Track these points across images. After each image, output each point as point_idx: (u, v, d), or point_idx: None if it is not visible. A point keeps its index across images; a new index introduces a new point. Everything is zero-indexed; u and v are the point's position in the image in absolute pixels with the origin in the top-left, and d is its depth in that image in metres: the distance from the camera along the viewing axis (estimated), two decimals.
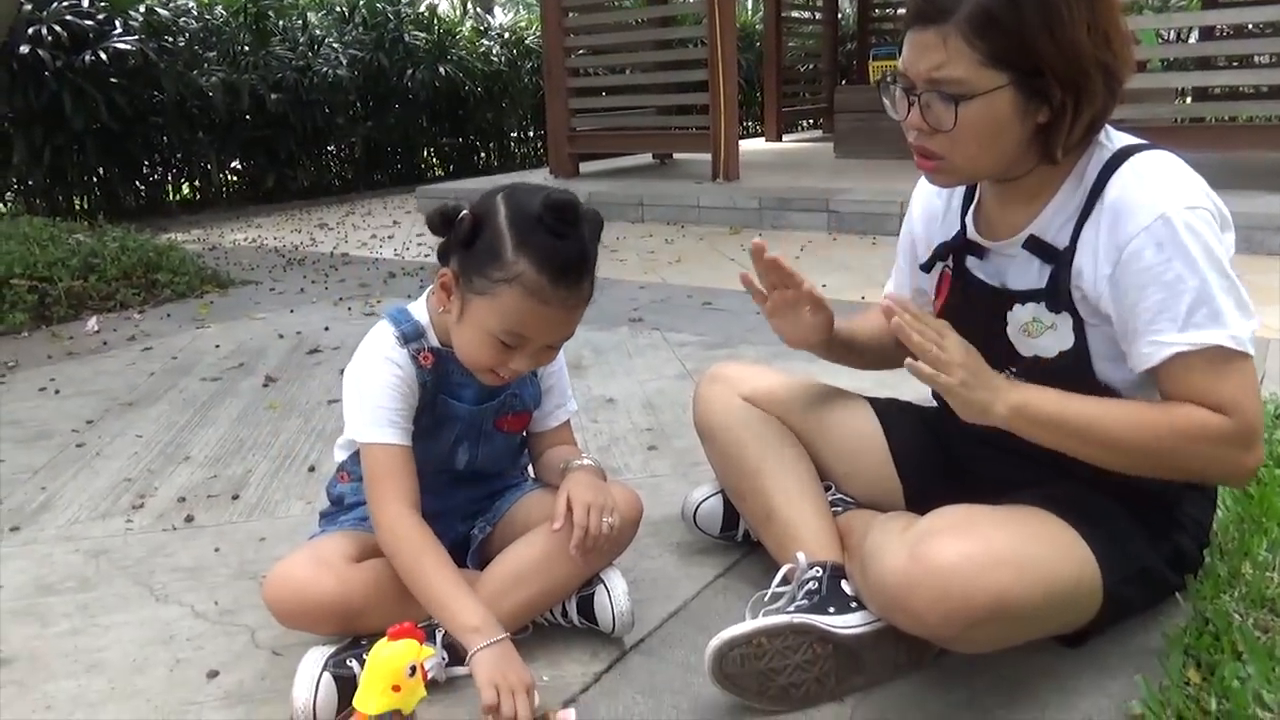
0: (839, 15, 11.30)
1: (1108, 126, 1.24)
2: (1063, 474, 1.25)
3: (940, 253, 1.41)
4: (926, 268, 1.45)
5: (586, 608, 1.41)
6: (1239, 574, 1.37)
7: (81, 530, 1.90)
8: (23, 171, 6.71)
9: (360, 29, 8.62)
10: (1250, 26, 7.03)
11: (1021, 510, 1.22)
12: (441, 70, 8.82)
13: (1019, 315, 1.29)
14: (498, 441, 1.50)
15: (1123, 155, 1.21)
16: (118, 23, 6.67)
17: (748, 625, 1.24)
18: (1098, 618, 1.24)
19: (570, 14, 6.94)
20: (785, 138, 9.83)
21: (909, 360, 1.14)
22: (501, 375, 1.34)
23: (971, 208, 1.38)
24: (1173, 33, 9.21)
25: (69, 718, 1.31)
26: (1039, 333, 1.27)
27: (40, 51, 6.17)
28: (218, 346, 3.28)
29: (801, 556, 1.37)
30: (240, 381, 2.86)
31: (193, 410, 2.61)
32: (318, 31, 8.29)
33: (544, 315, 1.28)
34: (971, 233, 1.37)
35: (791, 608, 1.30)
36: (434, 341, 1.40)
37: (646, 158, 7.95)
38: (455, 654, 1.28)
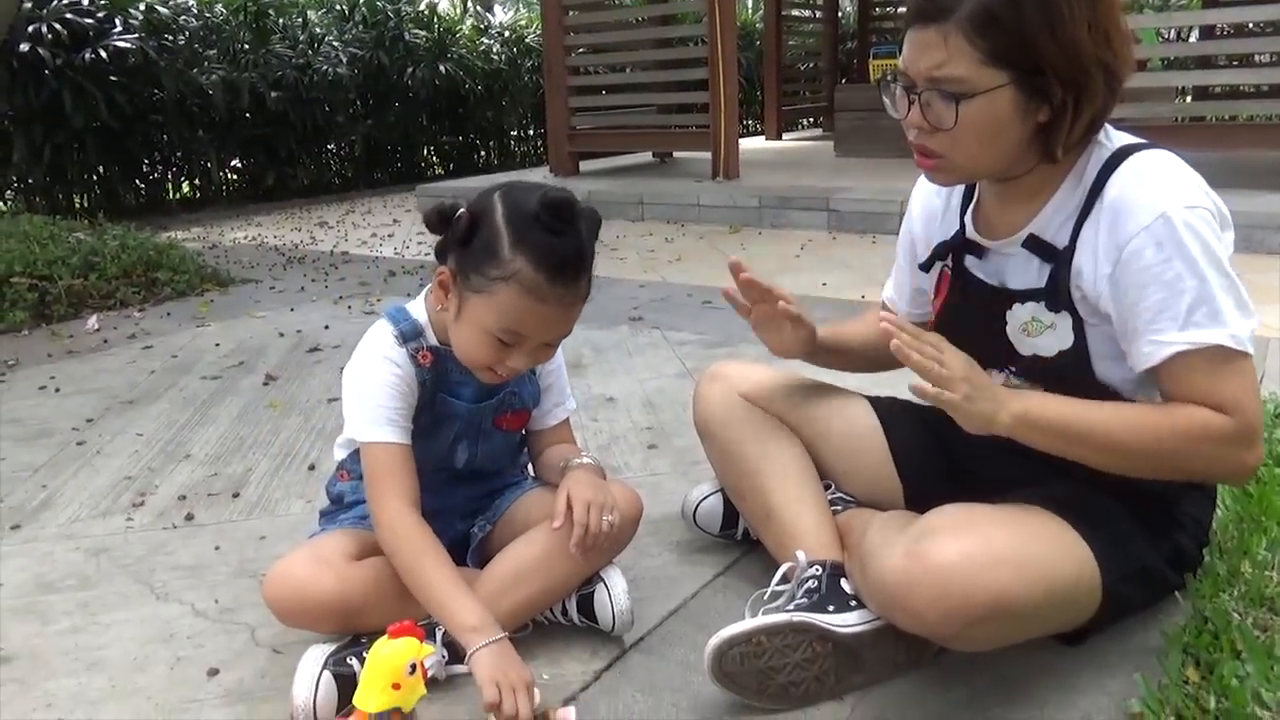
0: (839, 13, 11.29)
1: (1107, 125, 1.24)
2: (1062, 473, 1.25)
3: (939, 252, 1.41)
4: (925, 267, 1.45)
5: (586, 606, 1.41)
6: (1238, 573, 1.37)
7: (82, 528, 1.90)
8: (23, 170, 6.71)
9: (360, 27, 8.62)
10: (1251, 25, 7.02)
11: (1021, 509, 1.22)
12: (442, 68, 8.82)
13: (1018, 314, 1.29)
14: (497, 440, 1.50)
15: (1122, 154, 1.21)
16: (118, 21, 6.68)
17: (747, 624, 1.24)
18: (1097, 616, 1.24)
19: (570, 12, 6.94)
20: (785, 136, 9.82)
21: (912, 383, 1.13)
22: (499, 373, 1.35)
23: (971, 207, 1.38)
24: (1173, 31, 9.20)
25: (69, 716, 1.31)
26: (1038, 332, 1.27)
27: (40, 49, 6.17)
28: (218, 345, 3.28)
29: (801, 555, 1.37)
30: (240, 380, 2.86)
31: (193, 408, 2.61)
32: (318, 29, 8.29)
33: (541, 313, 1.28)
34: (971, 232, 1.37)
35: (791, 606, 1.30)
36: (432, 340, 1.40)
37: (646, 156, 7.95)
38: (455, 652, 1.28)
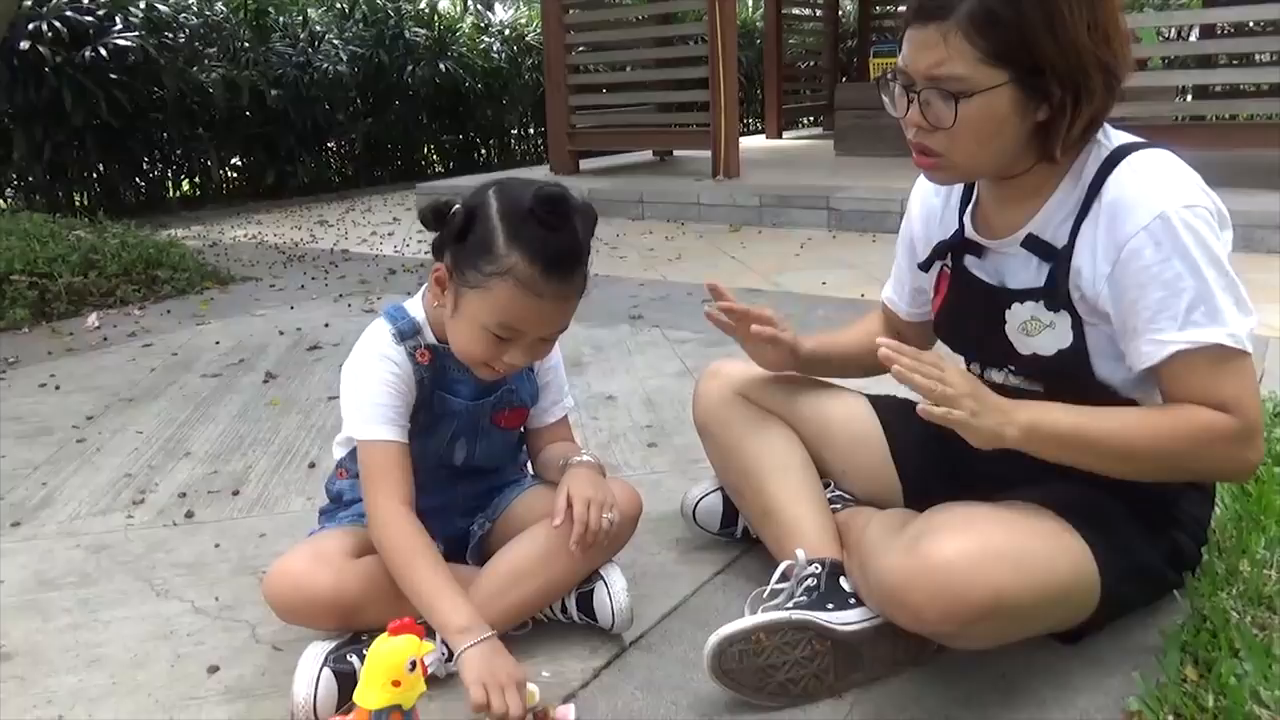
0: (840, 12, 11.28)
1: (1106, 125, 1.24)
2: (1061, 473, 1.25)
3: (939, 251, 1.41)
4: (925, 266, 1.45)
5: (586, 604, 1.41)
6: (1237, 571, 1.37)
7: (82, 525, 1.90)
8: (23, 168, 6.71)
9: (360, 25, 8.61)
10: (1251, 24, 7.02)
11: (1020, 508, 1.22)
12: (442, 67, 8.82)
13: (1017, 314, 1.29)
14: (495, 437, 1.50)
15: (1120, 153, 1.21)
16: (118, 19, 6.67)
17: (746, 621, 1.24)
18: (1095, 615, 1.24)
19: (570, 11, 6.93)
20: (785, 135, 9.81)
21: (921, 406, 1.12)
22: (497, 369, 1.35)
23: (970, 206, 1.38)
24: (1173, 30, 9.20)
25: (70, 712, 1.31)
26: (1037, 331, 1.27)
27: (40, 48, 6.17)
28: (218, 343, 3.28)
29: (800, 553, 1.37)
30: (240, 378, 2.86)
31: (193, 406, 2.61)
32: (318, 28, 8.28)
33: (537, 307, 1.28)
34: (970, 231, 1.37)
35: (790, 604, 1.30)
36: (430, 338, 1.41)
37: (647, 155, 7.94)
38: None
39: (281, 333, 3.39)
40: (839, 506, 1.53)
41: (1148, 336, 1.17)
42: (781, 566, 1.38)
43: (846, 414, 1.56)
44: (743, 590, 1.51)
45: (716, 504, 1.68)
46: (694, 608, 1.51)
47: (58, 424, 2.49)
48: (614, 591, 1.39)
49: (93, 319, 3.65)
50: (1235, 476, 1.37)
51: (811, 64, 10.76)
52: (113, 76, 6.51)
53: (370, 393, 1.35)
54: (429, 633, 1.28)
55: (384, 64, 8.47)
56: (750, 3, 12.52)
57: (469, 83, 9.08)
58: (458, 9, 10.25)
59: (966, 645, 1.21)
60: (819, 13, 10.59)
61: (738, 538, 1.68)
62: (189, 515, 1.93)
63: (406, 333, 1.39)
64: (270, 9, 7.91)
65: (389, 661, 1.10)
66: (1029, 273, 1.29)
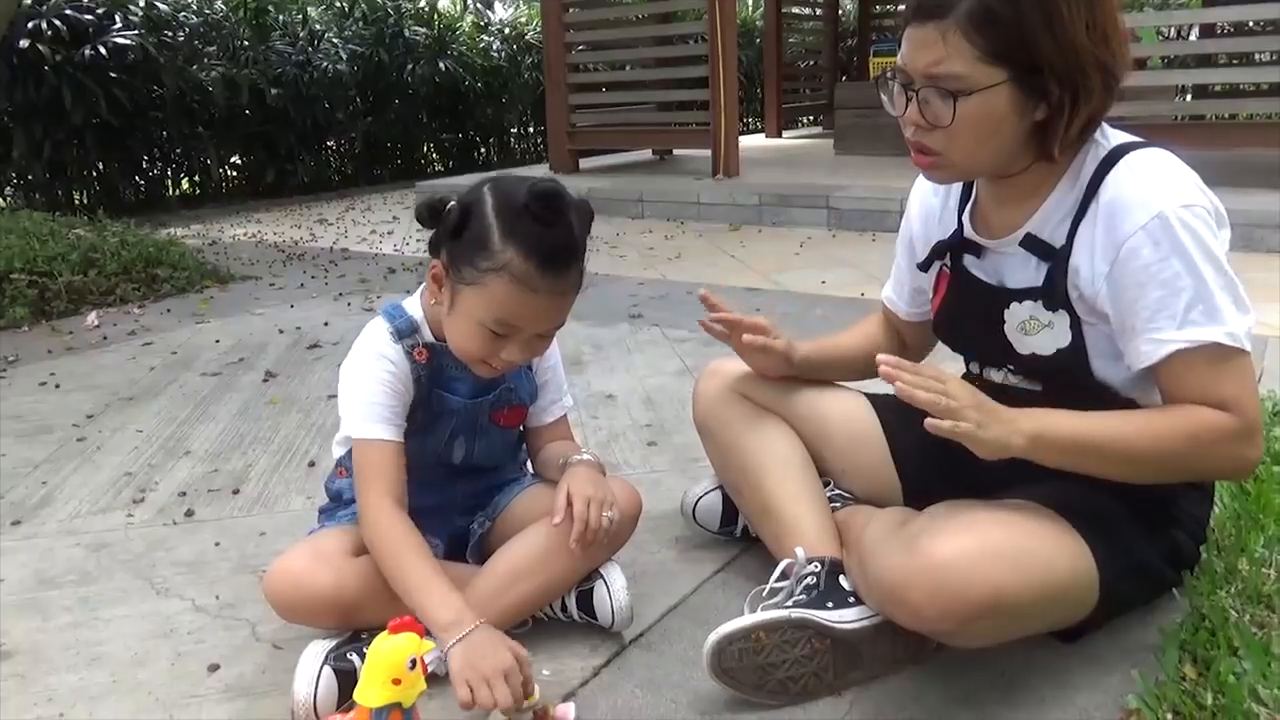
0: (840, 11, 11.28)
1: (1104, 124, 1.24)
2: (1060, 472, 1.26)
3: (938, 251, 1.42)
4: (924, 266, 1.45)
5: (586, 602, 1.41)
6: (1235, 570, 1.37)
7: (82, 524, 1.90)
8: (22, 166, 6.70)
9: (360, 24, 8.61)
10: (1251, 24, 7.02)
11: (1019, 507, 1.23)
12: (441, 66, 8.81)
13: (1016, 313, 1.29)
14: (494, 436, 1.50)
15: (1118, 153, 1.21)
16: (117, 17, 6.66)
17: (746, 620, 1.24)
18: (1095, 613, 1.24)
19: (570, 10, 6.93)
20: (785, 134, 9.81)
21: (928, 421, 1.11)
22: (494, 366, 1.35)
23: (969, 206, 1.38)
24: (1173, 30, 9.19)
25: (70, 710, 1.32)
26: (1036, 331, 1.27)
27: (40, 46, 6.16)
28: (218, 341, 3.28)
29: (800, 552, 1.37)
30: (240, 376, 2.87)
31: (193, 405, 2.61)
32: (318, 26, 8.28)
33: (533, 303, 1.28)
34: (969, 231, 1.37)
35: (790, 603, 1.31)
36: (428, 336, 1.41)
37: (646, 154, 7.94)
38: None
39: (281, 331, 3.39)
40: (838, 505, 1.53)
41: (1146, 336, 1.17)
42: (781, 565, 1.38)
43: (846, 413, 1.57)
44: (742, 589, 1.51)
45: (716, 502, 1.68)
46: (694, 606, 1.51)
47: (58, 422, 2.50)
48: (614, 590, 1.40)
49: (92, 317, 3.65)
50: (1235, 475, 1.38)
51: (811, 63, 10.75)
52: (112, 75, 6.51)
53: (366, 391, 1.35)
54: (429, 631, 1.28)
55: (384, 63, 8.46)
56: (750, 2, 12.51)
57: (469, 81, 9.07)
58: (457, 8, 10.25)
59: (966, 643, 1.21)
60: (819, 12, 10.60)
61: (737, 536, 1.69)
62: (189, 514, 1.93)
63: (404, 331, 1.39)
64: (270, 7, 7.90)
65: (389, 660, 1.10)
66: (1027, 272, 1.29)
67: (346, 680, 1.24)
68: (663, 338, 3.13)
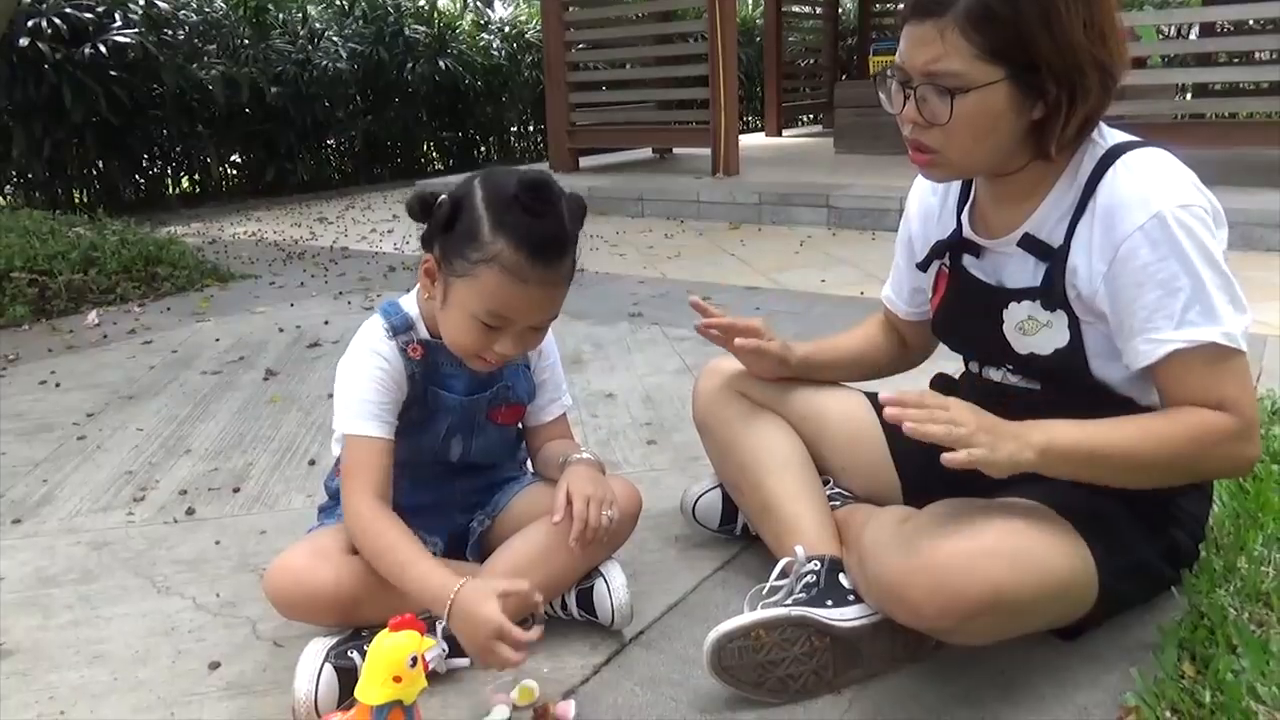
0: (840, 10, 11.27)
1: (1101, 124, 1.24)
2: None
3: (937, 251, 1.42)
4: (923, 266, 1.45)
5: (586, 600, 1.42)
6: (1234, 568, 1.38)
7: (83, 522, 1.90)
8: (22, 164, 6.71)
9: (360, 22, 8.61)
10: (1251, 22, 7.02)
11: (1018, 505, 1.23)
12: (441, 64, 8.81)
13: (1015, 313, 1.29)
14: (492, 433, 1.50)
15: (1116, 152, 1.21)
16: (117, 15, 6.67)
17: (746, 618, 1.25)
18: (1094, 611, 1.25)
19: (570, 8, 6.93)
20: (785, 133, 9.81)
21: (944, 456, 1.09)
22: (488, 360, 1.35)
23: (967, 206, 1.39)
24: (1173, 28, 9.19)
25: (71, 708, 1.32)
26: (1034, 330, 1.27)
27: (40, 44, 6.16)
28: (218, 340, 3.28)
29: (800, 550, 1.38)
30: (240, 375, 2.87)
31: (193, 404, 2.61)
32: (318, 25, 8.27)
33: (524, 294, 1.28)
34: (967, 231, 1.37)
35: (790, 601, 1.31)
36: (424, 333, 1.41)
37: (646, 152, 7.94)
38: (456, 645, 1.29)
39: (281, 330, 3.40)
40: (838, 503, 1.53)
41: (1144, 336, 1.17)
42: (781, 563, 1.39)
43: (845, 411, 1.57)
44: (742, 587, 1.51)
45: (716, 501, 1.68)
46: (693, 604, 1.51)
47: (58, 421, 2.50)
48: (614, 588, 1.40)
49: (92, 316, 3.65)
50: (1235, 473, 1.39)
51: (811, 62, 10.75)
52: (112, 73, 6.51)
53: (357, 388, 1.36)
54: (430, 628, 1.29)
55: (384, 61, 8.46)
56: (750, 0, 12.51)
57: (469, 80, 9.07)
58: (457, 6, 10.24)
59: (965, 641, 1.22)
60: (819, 10, 10.59)
61: (737, 535, 1.69)
62: (189, 512, 1.93)
63: (399, 328, 1.39)
64: (270, 6, 7.90)
65: (390, 657, 1.11)
66: (1026, 272, 1.29)
67: (347, 678, 1.24)
68: (662, 336, 3.13)
